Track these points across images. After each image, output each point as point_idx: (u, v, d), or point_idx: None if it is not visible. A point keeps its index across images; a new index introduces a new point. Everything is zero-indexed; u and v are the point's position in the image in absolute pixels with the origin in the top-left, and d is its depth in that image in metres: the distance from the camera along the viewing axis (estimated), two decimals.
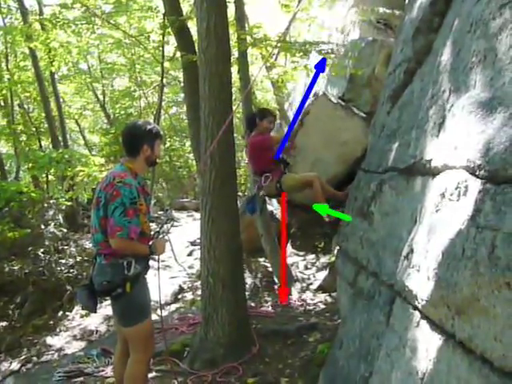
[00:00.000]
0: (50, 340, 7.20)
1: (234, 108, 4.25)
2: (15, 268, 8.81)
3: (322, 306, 6.49)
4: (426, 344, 1.95)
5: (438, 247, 1.88)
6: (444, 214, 1.96)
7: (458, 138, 1.97)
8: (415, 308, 2.12)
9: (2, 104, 14.71)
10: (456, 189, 1.88)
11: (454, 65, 2.39)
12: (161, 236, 3.65)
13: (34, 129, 15.41)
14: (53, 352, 6.70)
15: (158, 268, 3.57)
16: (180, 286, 8.54)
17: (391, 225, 2.94)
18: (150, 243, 3.40)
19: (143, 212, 3.30)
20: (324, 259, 8.27)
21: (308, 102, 8.02)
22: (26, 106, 15.81)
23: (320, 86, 9.04)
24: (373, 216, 3.36)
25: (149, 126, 3.48)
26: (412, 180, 2.65)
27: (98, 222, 3.26)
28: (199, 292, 6.37)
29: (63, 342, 7.01)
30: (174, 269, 9.38)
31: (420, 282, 2.02)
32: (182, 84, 9.00)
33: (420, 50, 3.25)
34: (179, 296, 8.19)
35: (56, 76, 13.64)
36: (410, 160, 2.68)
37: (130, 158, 3.43)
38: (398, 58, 3.79)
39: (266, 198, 6.97)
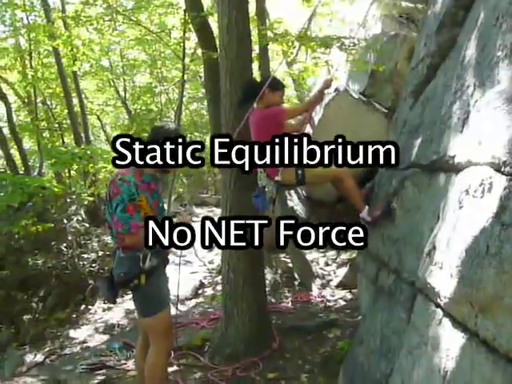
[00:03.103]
0: (72, 333, 7.30)
1: (254, 104, 4.24)
2: (39, 262, 8.96)
3: (342, 303, 6.48)
4: (449, 342, 1.93)
5: (462, 244, 1.86)
6: (467, 210, 1.94)
7: (483, 134, 1.94)
8: (437, 305, 2.10)
9: (26, 101, 14.95)
10: (480, 185, 1.85)
11: (479, 59, 2.35)
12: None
13: (56, 125, 15.64)
14: (75, 345, 6.80)
15: (180, 262, 3.62)
16: (200, 281, 8.61)
17: (413, 221, 2.91)
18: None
19: (144, 208, 3.35)
20: (344, 256, 8.24)
21: (329, 96, 7.96)
22: (48, 103, 16.04)
23: (341, 82, 8.99)
24: (394, 213, 3.33)
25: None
26: (435, 176, 2.62)
27: (110, 217, 3.37)
28: (219, 287, 6.41)
29: (86, 335, 7.11)
30: (195, 264, 9.46)
31: (442, 279, 2.00)
32: (203, 80, 9.04)
33: (444, 44, 3.20)
34: (200, 291, 8.26)
35: (78, 72, 13.81)
36: (433, 156, 2.64)
37: None
38: (420, 52, 3.74)
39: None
